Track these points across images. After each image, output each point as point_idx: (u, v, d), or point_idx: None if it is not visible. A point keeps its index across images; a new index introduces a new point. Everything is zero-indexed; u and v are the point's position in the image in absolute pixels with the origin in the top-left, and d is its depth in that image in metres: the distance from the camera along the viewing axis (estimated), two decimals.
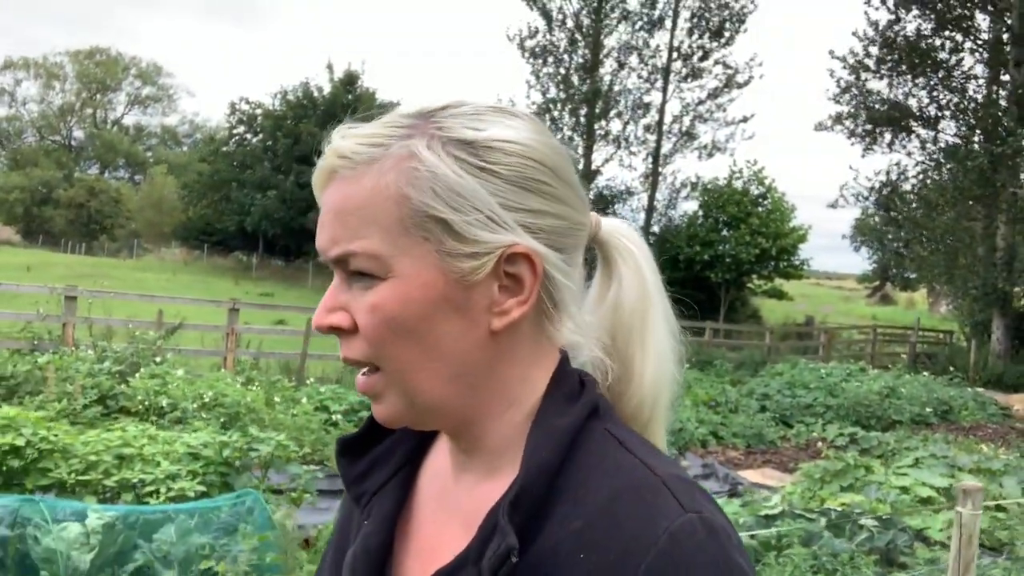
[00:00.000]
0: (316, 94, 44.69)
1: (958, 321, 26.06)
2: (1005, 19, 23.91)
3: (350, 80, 44.82)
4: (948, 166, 23.29)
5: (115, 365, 9.04)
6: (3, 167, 66.11)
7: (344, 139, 0.74)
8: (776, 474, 10.28)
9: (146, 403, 8.21)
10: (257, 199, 40.88)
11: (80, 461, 5.26)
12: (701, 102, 34.10)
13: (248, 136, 45.91)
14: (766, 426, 11.80)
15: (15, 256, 44.98)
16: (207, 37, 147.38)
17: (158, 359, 9.58)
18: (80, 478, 5.14)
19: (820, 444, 11.60)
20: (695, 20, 33.79)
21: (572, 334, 0.79)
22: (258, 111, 46.07)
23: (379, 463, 0.86)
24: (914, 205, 25.59)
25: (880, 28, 25.53)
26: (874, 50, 25.78)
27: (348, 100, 43.79)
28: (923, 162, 25.17)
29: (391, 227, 0.72)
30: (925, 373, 17.16)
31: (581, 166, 33.62)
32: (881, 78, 25.68)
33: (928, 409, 13.41)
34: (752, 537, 5.78)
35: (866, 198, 25.64)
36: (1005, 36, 24.04)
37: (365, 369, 0.75)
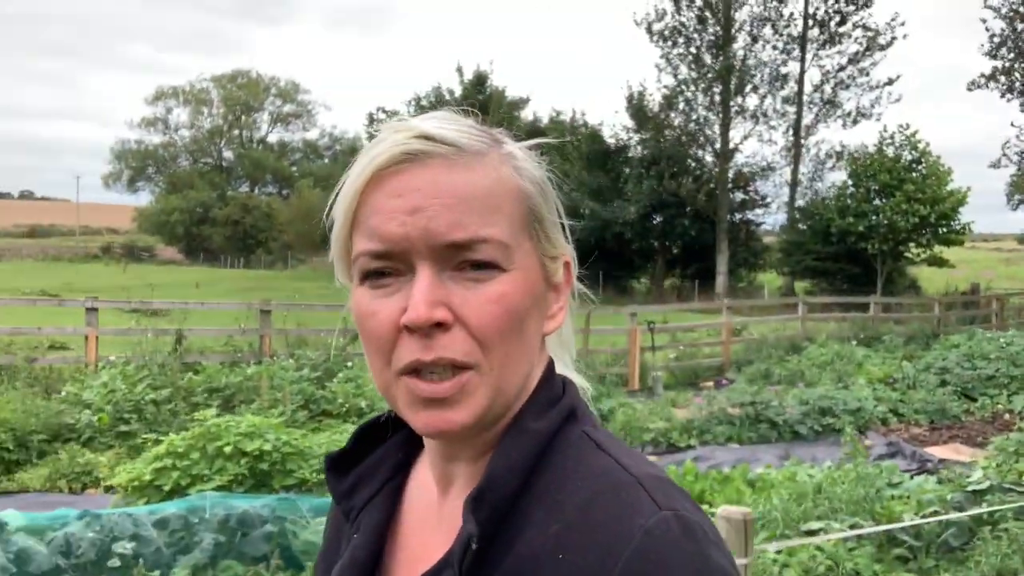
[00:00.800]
0: (447, 96, 45.69)
1: None
2: None
3: (479, 80, 45.57)
4: None
5: (312, 372, 9.71)
6: (162, 191, 70.60)
7: (440, 128, 0.72)
8: (966, 449, 9.97)
9: (345, 405, 8.80)
10: None
11: (318, 461, 5.78)
12: (842, 68, 33.05)
13: None
14: (948, 400, 11.43)
15: (183, 275, 48.15)
16: (335, 48, 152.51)
17: (349, 364, 10.22)
18: (319, 477, 5.64)
19: (1008, 416, 11.16)
20: None
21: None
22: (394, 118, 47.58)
23: (366, 478, 0.85)
24: None
25: None
26: None
27: (479, 100, 44.60)
28: None
29: (514, 219, 0.72)
30: None
31: (718, 145, 33.12)
32: None
33: None
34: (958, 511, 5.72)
35: None
36: None
37: (440, 371, 0.70)
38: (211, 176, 70.09)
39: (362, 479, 0.85)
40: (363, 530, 0.82)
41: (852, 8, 32.48)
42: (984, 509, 5.85)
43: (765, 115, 33.40)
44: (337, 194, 0.75)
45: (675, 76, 33.32)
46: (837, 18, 32.76)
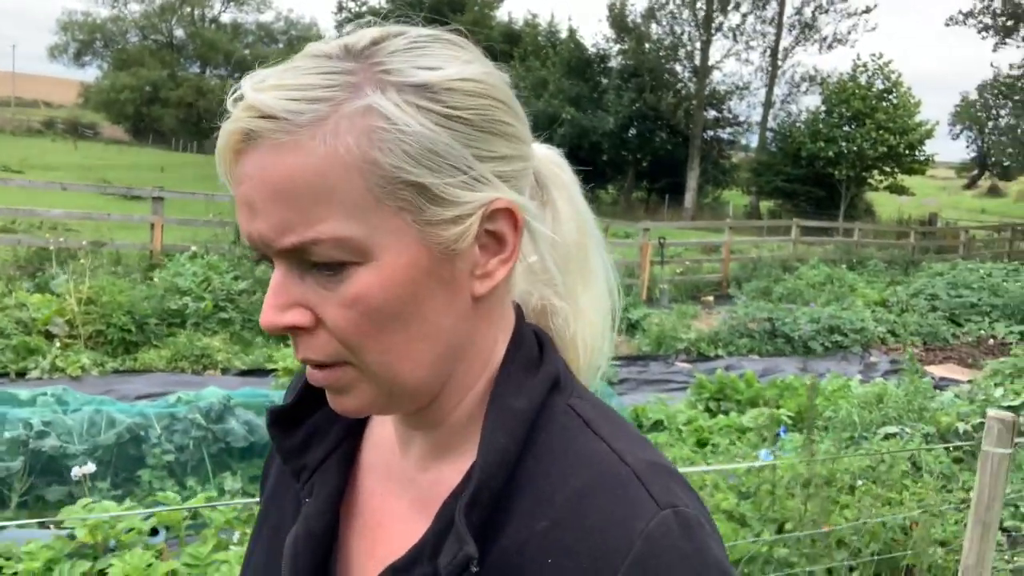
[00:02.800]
0: None
1: None
2: None
3: None
4: None
5: None
6: (111, 68, 68.12)
7: (265, 93, 0.60)
8: (960, 369, 11.10)
9: None
10: None
11: None
12: None
13: None
14: (940, 324, 12.55)
15: (138, 156, 47.17)
16: None
17: None
18: None
19: (992, 341, 12.35)
20: None
21: (523, 281, 0.76)
22: (363, 7, 46.58)
23: (318, 434, 0.78)
24: None
25: None
26: None
27: None
28: None
29: (359, 202, 0.60)
30: None
31: (698, 61, 33.55)
32: None
33: None
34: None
35: (1005, 96, 25.22)
36: None
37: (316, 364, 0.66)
38: (162, 55, 67.67)
39: (314, 435, 0.78)
40: (317, 496, 0.75)
41: None
42: None
43: (744, 34, 33.84)
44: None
45: None
46: None
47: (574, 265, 0.77)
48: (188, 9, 72.44)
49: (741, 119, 35.16)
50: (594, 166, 34.19)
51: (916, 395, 7.08)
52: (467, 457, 0.69)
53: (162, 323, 8.02)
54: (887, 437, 6.28)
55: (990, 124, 66.40)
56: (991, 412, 3.31)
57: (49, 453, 4.21)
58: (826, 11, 33.37)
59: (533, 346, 0.71)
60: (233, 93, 0.62)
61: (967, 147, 70.43)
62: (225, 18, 74.79)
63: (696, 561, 0.61)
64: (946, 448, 6.44)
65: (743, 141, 36.74)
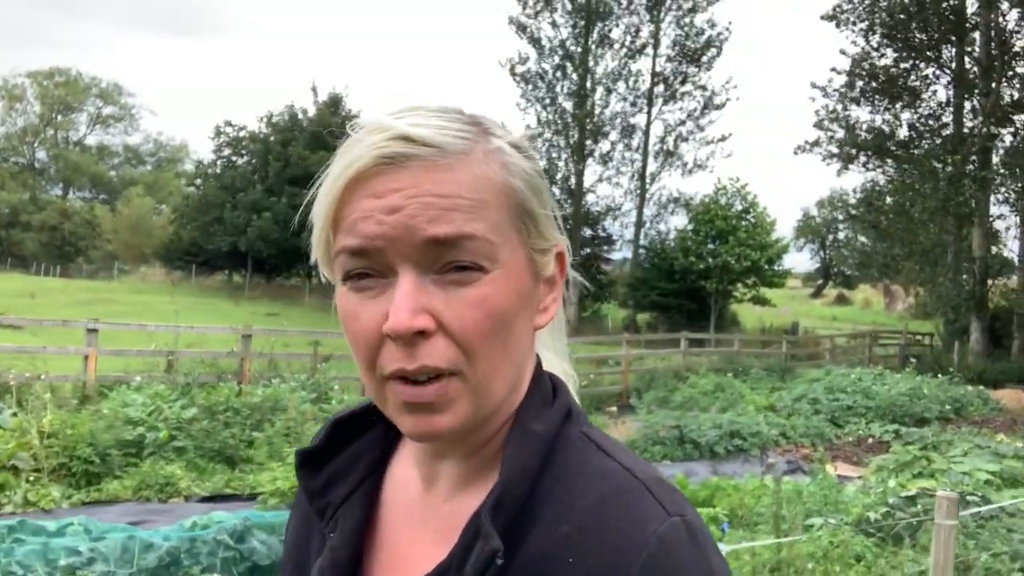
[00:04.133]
0: (301, 116, 45.93)
1: (935, 322, 28.71)
2: (967, 51, 26.59)
3: (334, 102, 46.14)
4: (924, 186, 25.85)
5: (309, 393, 10.64)
6: None
7: (419, 128, 0.69)
8: (847, 466, 12.27)
9: None
10: (254, 220, 41.98)
11: None
12: (682, 123, 36.41)
13: (235, 158, 47.06)
14: (824, 426, 13.82)
15: (3, 282, 45.23)
16: (164, 52, 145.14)
17: (336, 386, 11.22)
18: None
19: (870, 440, 13.68)
20: (675, 47, 36.07)
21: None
22: (242, 133, 47.25)
23: (342, 475, 0.82)
24: (890, 216, 28.15)
25: (855, 59, 28.07)
26: (842, 79, 28.37)
27: (334, 122, 45.10)
28: (899, 179, 27.74)
29: (502, 217, 0.70)
30: (912, 372, 19.43)
31: (573, 185, 35.62)
32: (859, 104, 28.20)
33: (947, 407, 15.62)
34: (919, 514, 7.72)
35: (852, 215, 28.00)
36: (968, 64, 26.74)
37: (424, 377, 0.69)
38: (24, 177, 65.83)
39: (338, 475, 0.82)
40: (341, 529, 0.79)
41: (694, 70, 36.04)
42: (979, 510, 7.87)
43: (614, 160, 36.33)
44: (314, 196, 0.74)
45: (538, 119, 35.61)
46: (680, 77, 36.22)
47: (554, 329, 0.85)
48: (52, 131, 71.08)
49: (615, 237, 37.30)
50: None
51: (830, 490, 8.03)
52: (488, 486, 0.73)
53: (120, 453, 8.17)
54: (807, 529, 7.14)
55: (830, 238, 72.33)
56: (940, 492, 4.18)
57: None
58: (686, 140, 36.28)
59: (548, 385, 0.78)
60: (374, 130, 0.69)
61: (811, 258, 76.12)
62: (91, 140, 73.77)
63: (703, 563, 0.67)
64: (873, 534, 7.35)
65: (618, 258, 38.86)
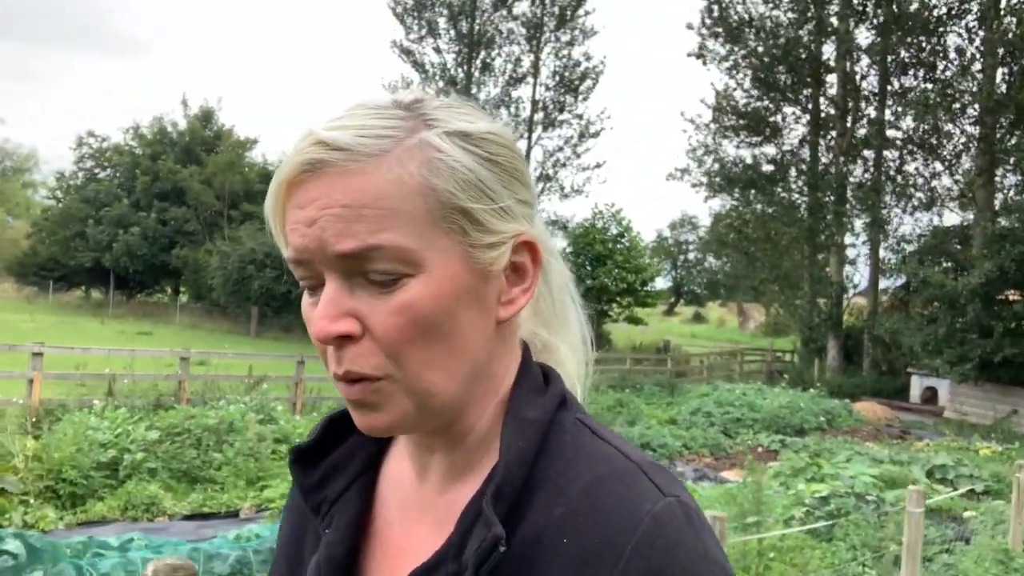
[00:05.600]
0: (171, 129, 44.77)
1: (792, 340, 31.19)
2: (824, 93, 29.24)
3: (206, 116, 45.22)
4: (787, 216, 28.22)
5: (256, 415, 10.96)
6: None
7: (336, 131, 0.69)
8: (743, 472, 13.55)
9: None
10: (120, 235, 40.56)
11: None
12: (560, 149, 37.95)
13: (97, 171, 45.32)
14: (719, 437, 15.14)
15: None
16: (20, 58, 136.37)
17: (277, 406, 11.56)
18: None
19: (760, 449, 15.08)
20: (554, 77, 37.61)
21: (527, 323, 0.83)
22: (106, 144, 45.59)
23: (337, 470, 0.84)
24: (753, 239, 30.45)
25: (720, 95, 30.33)
26: (710, 113, 30.59)
27: (205, 136, 44.31)
28: (764, 210, 30.08)
29: (418, 220, 0.69)
30: (784, 386, 21.33)
31: None
32: (726, 138, 30.44)
33: (821, 418, 17.34)
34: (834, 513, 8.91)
35: (722, 241, 30.10)
36: (824, 105, 29.40)
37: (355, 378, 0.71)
38: None
39: (333, 471, 0.84)
40: (337, 525, 0.81)
41: (571, 99, 37.67)
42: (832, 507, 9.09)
43: None
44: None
45: None
46: (558, 106, 37.76)
47: (558, 316, 0.85)
48: None
49: None
50: None
51: (759, 492, 9.13)
52: (480, 476, 0.75)
53: (100, 475, 8.34)
54: (745, 527, 8.18)
55: (681, 258, 76.30)
56: (911, 487, 5.21)
57: None
58: (564, 165, 37.80)
59: (539, 374, 0.79)
60: (304, 138, 0.70)
61: (663, 278, 79.99)
62: None
63: (697, 544, 0.68)
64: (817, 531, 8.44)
65: None
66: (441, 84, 36.26)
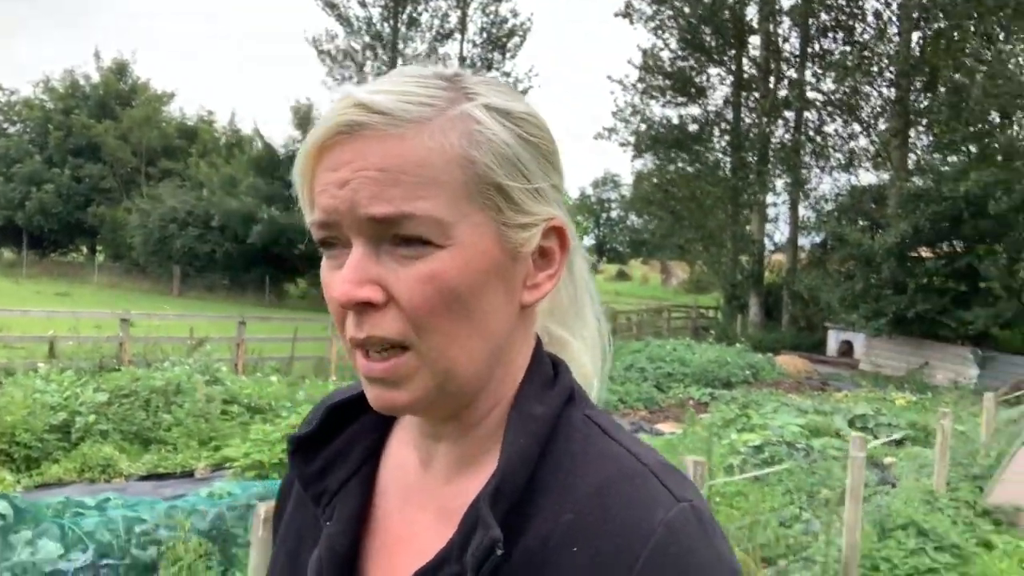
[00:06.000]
0: (83, 83, 43.12)
1: (715, 297, 32.15)
2: (748, 54, 29.88)
3: (120, 69, 43.66)
4: (711, 176, 28.91)
5: (202, 376, 10.97)
6: None
7: (377, 95, 0.67)
8: (677, 424, 14.13)
9: (269, 403, 10.37)
10: (33, 192, 39.11)
11: None
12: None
13: (6, 126, 43.45)
14: (652, 391, 15.68)
15: None
16: None
17: (223, 367, 11.57)
18: None
19: (691, 401, 15.70)
20: (482, 33, 37.45)
21: (540, 317, 0.81)
22: (13, 98, 43.71)
23: (338, 460, 0.82)
24: (679, 198, 31.15)
25: (648, 55, 30.70)
26: (637, 74, 31.02)
27: (120, 89, 42.83)
28: (685, 169, 30.74)
29: (455, 191, 0.67)
30: (713, 342, 22.12)
31: None
32: (652, 99, 30.89)
33: (747, 371, 18.07)
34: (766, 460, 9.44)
35: (649, 200, 30.70)
36: (747, 66, 30.05)
37: (378, 351, 0.69)
38: None
39: (334, 461, 0.82)
40: (339, 517, 0.79)
41: (499, 56, 37.58)
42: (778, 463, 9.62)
43: None
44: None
45: None
46: (486, 64, 37.62)
47: (575, 310, 0.84)
48: None
49: None
50: (287, 262, 35.27)
51: (699, 442, 9.60)
52: (489, 468, 0.72)
53: (53, 438, 8.30)
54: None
55: (604, 216, 77.32)
56: (855, 433, 5.63)
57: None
58: None
59: (549, 367, 0.77)
60: (341, 100, 0.69)
61: (586, 235, 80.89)
62: None
63: (711, 552, 0.66)
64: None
65: None
66: (367, 39, 35.77)
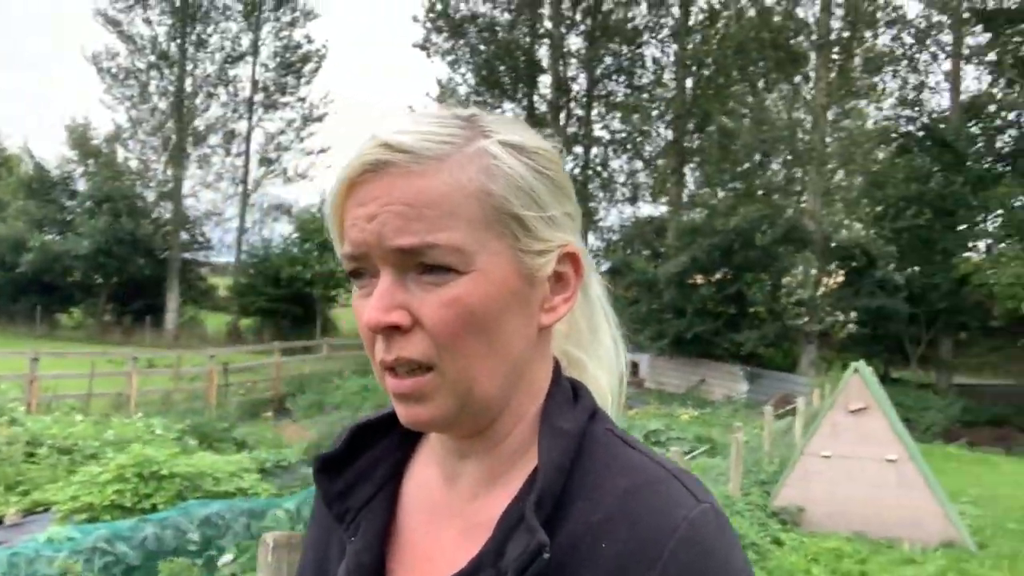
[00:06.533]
0: None
1: None
2: (539, 92, 31.44)
3: None
4: None
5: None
6: None
7: (400, 135, 0.73)
8: None
9: (76, 443, 9.91)
10: None
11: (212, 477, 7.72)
12: (282, 132, 37.41)
13: None
14: None
15: None
16: None
17: (20, 408, 10.92)
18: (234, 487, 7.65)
19: None
20: (275, 58, 36.99)
21: (557, 339, 0.86)
22: None
23: (362, 479, 0.85)
24: None
25: (445, 88, 31.59)
26: (435, 106, 31.76)
27: None
28: None
29: (474, 221, 0.72)
30: None
31: (170, 187, 34.79)
32: None
33: None
34: None
35: None
36: (537, 102, 31.61)
37: (403, 369, 0.73)
38: None
39: (358, 480, 0.85)
40: (364, 533, 0.82)
41: (293, 81, 37.22)
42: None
43: (215, 165, 36.14)
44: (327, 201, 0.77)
45: (129, 118, 34.14)
46: (279, 88, 37.17)
47: (592, 333, 0.88)
48: None
49: (216, 243, 37.07)
50: (60, 290, 32.98)
51: None
52: (514, 483, 0.77)
53: None
54: None
55: None
56: (672, 448, 6.36)
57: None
58: (287, 149, 37.31)
59: (568, 388, 0.81)
60: (368, 140, 0.74)
61: None
62: None
63: (731, 552, 0.71)
64: None
65: (221, 263, 38.55)
66: (152, 58, 34.34)
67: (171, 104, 34.42)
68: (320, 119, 37.60)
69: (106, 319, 34.86)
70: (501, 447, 0.78)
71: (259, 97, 36.99)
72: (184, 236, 35.72)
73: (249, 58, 36.62)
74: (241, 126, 36.96)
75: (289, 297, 33.32)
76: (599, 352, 0.88)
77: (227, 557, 5.03)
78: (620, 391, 0.88)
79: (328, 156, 36.83)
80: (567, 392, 0.80)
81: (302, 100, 37.56)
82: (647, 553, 0.68)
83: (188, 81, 34.90)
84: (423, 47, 32.23)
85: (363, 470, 0.85)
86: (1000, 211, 25.81)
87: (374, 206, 0.71)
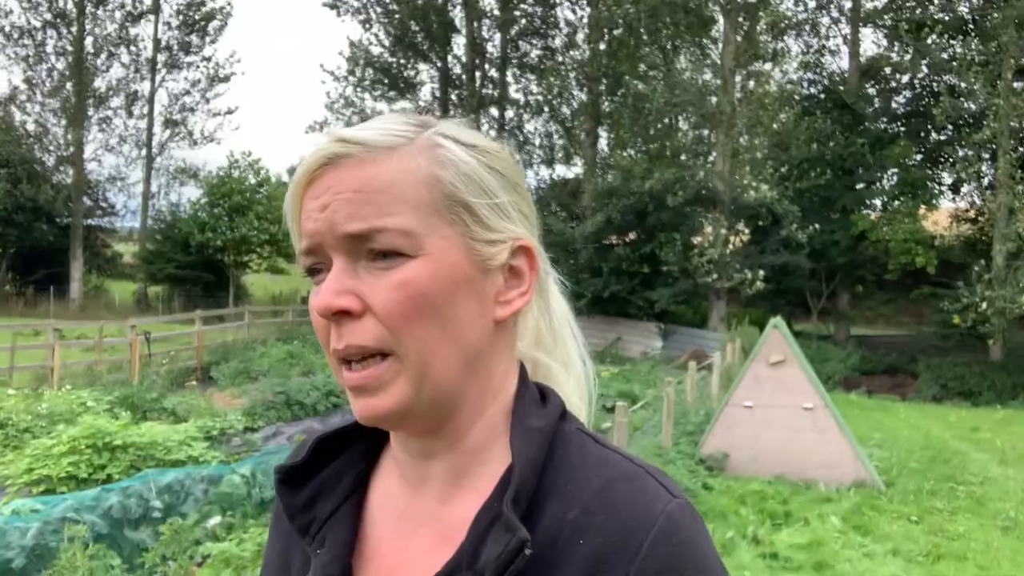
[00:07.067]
0: None
1: None
2: (453, 53, 31.41)
3: None
4: None
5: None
6: None
7: (357, 131, 0.75)
8: None
9: (9, 417, 9.82)
10: None
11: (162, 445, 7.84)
12: (187, 93, 36.37)
13: None
14: None
15: None
16: None
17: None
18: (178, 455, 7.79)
19: None
20: (178, 16, 35.81)
21: (523, 346, 0.85)
22: None
23: (325, 490, 0.84)
24: None
25: (357, 47, 31.25)
26: (347, 66, 31.45)
27: None
28: None
29: (422, 207, 0.73)
30: None
31: (71, 152, 33.56)
32: (363, 91, 31.47)
33: None
34: None
35: None
36: (451, 63, 31.59)
37: (358, 361, 0.73)
38: None
39: (322, 491, 0.84)
40: (330, 545, 0.81)
41: (197, 40, 36.13)
42: None
43: (117, 128, 34.92)
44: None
45: (25, 79, 32.65)
46: (183, 48, 36.04)
47: (556, 342, 0.88)
48: None
49: (120, 209, 35.95)
50: None
51: None
52: (484, 482, 0.77)
53: None
54: None
55: None
56: (619, 403, 6.79)
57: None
58: (193, 111, 36.30)
59: (536, 390, 0.81)
60: (324, 137, 0.75)
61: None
62: None
63: (706, 545, 0.72)
64: None
65: (127, 230, 37.39)
66: (48, 16, 32.83)
67: (69, 64, 33.04)
68: (227, 79, 36.69)
69: (7, 289, 33.60)
70: (463, 444, 0.78)
71: (162, 57, 35.82)
72: (87, 202, 34.56)
73: (151, 16, 35.36)
74: (144, 87, 35.79)
75: (199, 264, 32.74)
76: (568, 364, 0.88)
77: (215, 519, 5.25)
78: (589, 411, 0.89)
79: (237, 117, 36.00)
80: (534, 393, 0.81)
81: (207, 60, 36.57)
82: (626, 546, 0.69)
83: (88, 41, 33.51)
84: (333, 6, 31.73)
85: (326, 482, 0.84)
86: (895, 170, 27.22)
87: (327, 196, 0.73)
